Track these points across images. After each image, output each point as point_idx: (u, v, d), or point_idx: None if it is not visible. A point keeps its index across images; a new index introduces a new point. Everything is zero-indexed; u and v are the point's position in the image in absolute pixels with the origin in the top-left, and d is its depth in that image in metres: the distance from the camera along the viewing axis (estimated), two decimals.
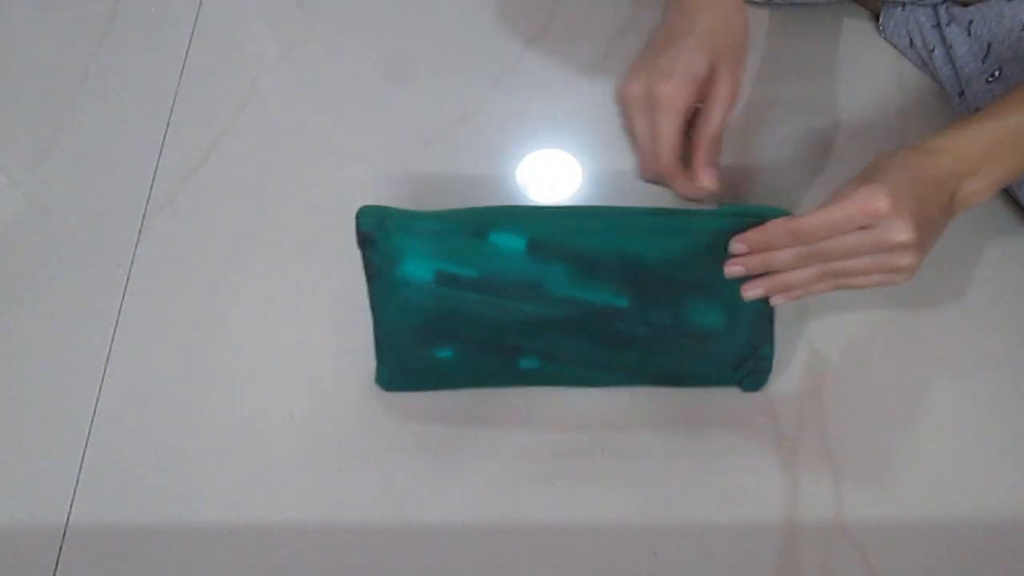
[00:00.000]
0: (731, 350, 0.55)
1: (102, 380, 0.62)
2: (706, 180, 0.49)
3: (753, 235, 0.47)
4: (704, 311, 0.52)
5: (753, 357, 0.55)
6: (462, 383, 0.58)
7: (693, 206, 0.51)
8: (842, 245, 0.45)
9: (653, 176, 0.52)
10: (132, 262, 0.67)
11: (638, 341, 0.54)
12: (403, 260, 0.52)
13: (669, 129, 0.49)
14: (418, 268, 0.52)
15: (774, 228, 0.46)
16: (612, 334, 0.53)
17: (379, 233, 0.52)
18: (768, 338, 0.56)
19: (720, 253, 0.48)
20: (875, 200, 0.43)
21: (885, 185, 0.44)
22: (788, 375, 0.60)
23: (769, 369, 0.57)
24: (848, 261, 0.46)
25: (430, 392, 0.60)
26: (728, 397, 0.59)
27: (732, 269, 0.48)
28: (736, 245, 0.48)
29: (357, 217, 0.52)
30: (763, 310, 0.54)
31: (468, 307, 0.52)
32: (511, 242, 0.50)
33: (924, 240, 0.45)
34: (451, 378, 0.58)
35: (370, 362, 0.59)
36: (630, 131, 0.51)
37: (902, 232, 0.44)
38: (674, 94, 0.48)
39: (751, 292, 0.48)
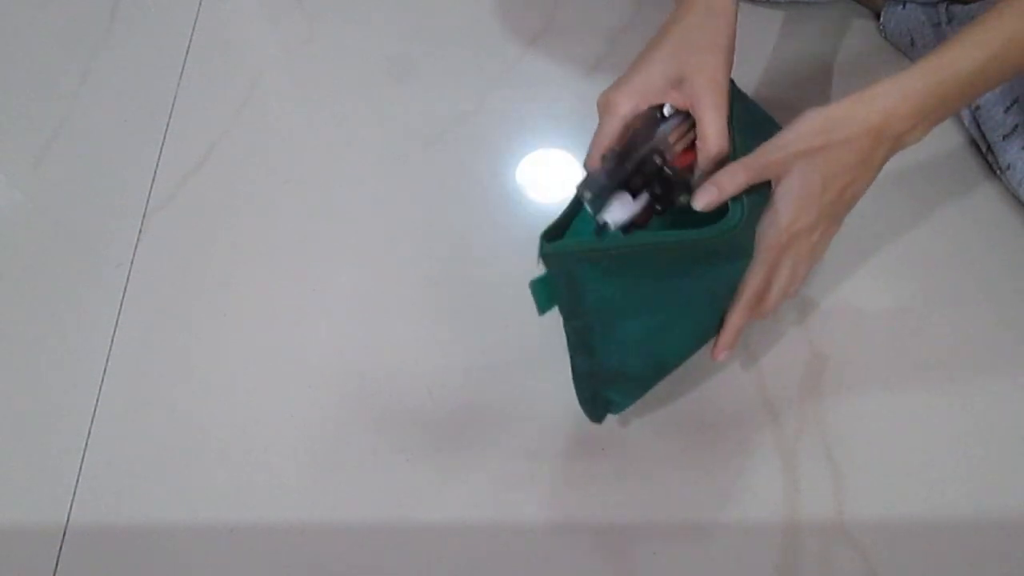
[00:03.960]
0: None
1: (102, 380, 0.62)
2: (700, 201, 0.49)
3: (728, 339, 0.52)
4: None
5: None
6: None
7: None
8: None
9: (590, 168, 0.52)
10: (132, 262, 0.67)
11: None
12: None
13: (601, 130, 0.51)
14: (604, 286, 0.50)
15: (735, 321, 0.52)
16: None
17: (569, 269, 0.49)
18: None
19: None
20: (771, 239, 0.48)
21: (782, 215, 0.48)
22: (788, 375, 0.60)
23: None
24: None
25: (430, 392, 0.60)
26: (728, 397, 0.59)
27: (722, 356, 0.53)
28: (723, 355, 0.53)
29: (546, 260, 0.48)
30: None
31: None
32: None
33: (837, 208, 0.50)
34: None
35: (369, 360, 0.59)
36: None
37: (806, 238, 0.50)
38: (616, 101, 0.50)
39: (724, 356, 0.53)
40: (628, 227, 0.49)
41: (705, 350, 0.54)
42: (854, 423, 0.58)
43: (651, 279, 0.49)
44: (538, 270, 0.48)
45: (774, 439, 0.58)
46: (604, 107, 0.51)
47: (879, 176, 0.58)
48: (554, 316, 0.57)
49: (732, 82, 0.52)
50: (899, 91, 0.47)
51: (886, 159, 0.49)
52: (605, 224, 0.48)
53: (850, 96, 0.47)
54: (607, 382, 0.53)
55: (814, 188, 0.47)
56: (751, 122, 0.53)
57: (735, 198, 0.48)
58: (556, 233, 0.50)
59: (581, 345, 0.51)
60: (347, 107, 0.74)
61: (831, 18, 0.75)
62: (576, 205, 0.51)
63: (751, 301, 0.51)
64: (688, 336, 0.54)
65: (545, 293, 0.49)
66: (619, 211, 0.48)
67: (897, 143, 0.48)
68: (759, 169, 0.47)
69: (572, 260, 0.47)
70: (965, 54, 0.47)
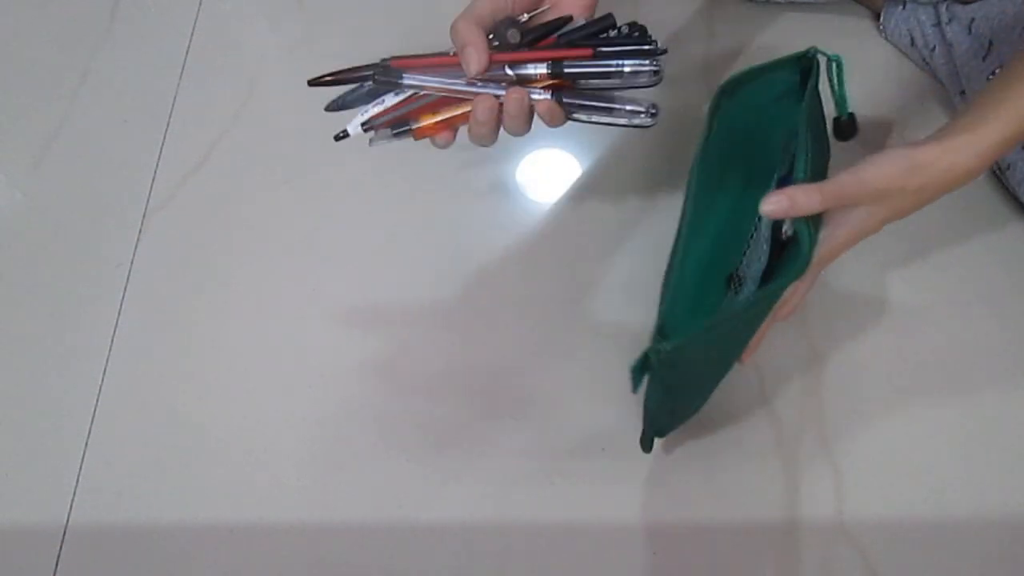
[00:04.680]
0: None
1: (102, 380, 0.62)
2: (769, 205, 0.47)
3: (756, 344, 0.52)
4: None
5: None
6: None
7: None
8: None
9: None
10: (132, 262, 0.67)
11: None
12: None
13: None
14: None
15: (764, 327, 0.52)
16: None
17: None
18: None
19: None
20: (819, 266, 0.49)
21: (831, 242, 0.48)
22: (788, 375, 0.60)
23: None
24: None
25: (429, 392, 0.60)
26: (728, 397, 0.59)
27: (748, 358, 0.53)
28: (748, 357, 0.52)
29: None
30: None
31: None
32: None
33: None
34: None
35: (369, 360, 0.59)
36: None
37: None
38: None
39: (748, 359, 0.53)
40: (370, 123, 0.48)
41: None
42: (854, 423, 0.58)
43: (738, 330, 0.49)
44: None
45: (774, 439, 0.58)
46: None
47: None
48: (557, 310, 0.57)
49: (816, 90, 0.51)
50: (977, 149, 0.47)
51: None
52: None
53: (935, 143, 0.47)
54: (677, 421, 0.55)
55: (874, 225, 0.48)
56: (815, 112, 0.53)
57: (802, 224, 0.47)
58: (663, 327, 0.47)
59: (669, 407, 0.52)
60: None
61: (831, 18, 0.75)
62: (663, 292, 0.49)
63: (777, 308, 0.52)
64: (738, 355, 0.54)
65: (640, 372, 0.46)
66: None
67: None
68: (834, 200, 0.47)
69: (688, 347, 0.45)
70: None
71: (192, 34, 0.79)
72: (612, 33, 0.47)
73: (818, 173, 0.48)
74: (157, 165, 0.72)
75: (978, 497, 0.55)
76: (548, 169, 0.70)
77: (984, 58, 0.63)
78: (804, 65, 0.52)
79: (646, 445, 0.55)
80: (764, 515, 0.55)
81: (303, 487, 0.58)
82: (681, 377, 0.48)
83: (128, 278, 0.66)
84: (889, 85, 0.71)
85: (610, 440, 0.58)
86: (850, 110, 0.53)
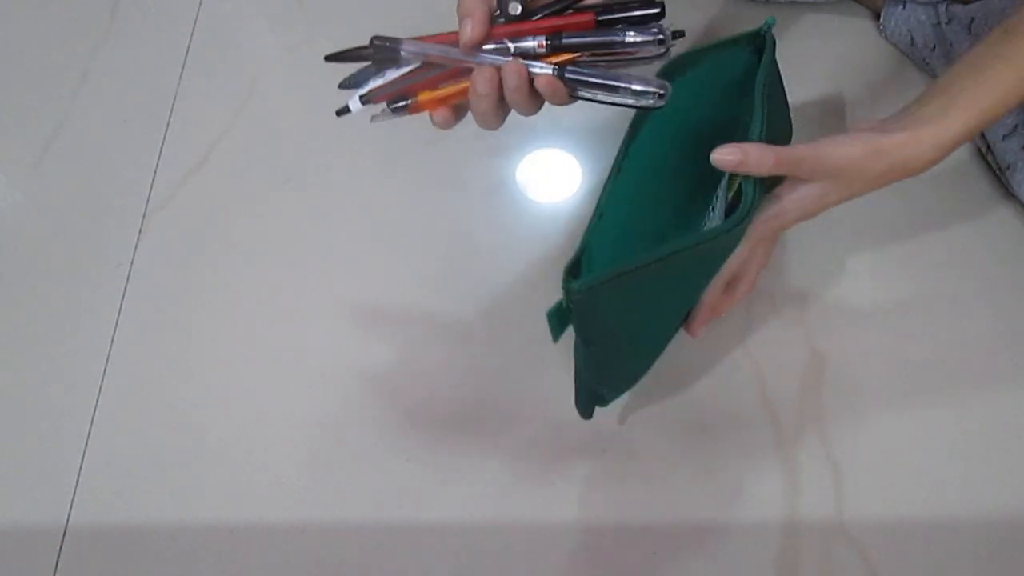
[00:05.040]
0: None
1: (102, 380, 0.62)
2: (720, 154, 0.46)
3: (704, 314, 0.54)
4: None
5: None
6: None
7: None
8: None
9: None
10: (132, 262, 0.67)
11: None
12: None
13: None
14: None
15: (709, 296, 0.53)
16: None
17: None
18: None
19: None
20: (770, 232, 0.50)
21: (786, 214, 0.49)
22: (788, 375, 0.60)
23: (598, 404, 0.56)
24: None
25: (429, 392, 0.60)
26: (728, 397, 0.59)
27: (700, 333, 0.55)
28: (698, 332, 0.54)
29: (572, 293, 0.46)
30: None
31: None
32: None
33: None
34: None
35: (369, 360, 0.59)
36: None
37: None
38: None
39: (700, 333, 0.55)
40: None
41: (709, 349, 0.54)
42: (854, 423, 0.58)
43: (662, 286, 0.49)
44: (548, 299, 0.47)
45: (774, 439, 0.58)
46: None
47: None
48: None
49: (772, 38, 0.51)
50: (938, 142, 0.48)
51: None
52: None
53: (900, 132, 0.48)
54: (608, 386, 0.54)
55: (827, 202, 0.49)
56: (774, 87, 0.53)
57: (749, 184, 0.46)
58: (576, 269, 0.47)
59: (592, 362, 0.51)
60: None
61: (831, 18, 0.75)
62: (585, 237, 0.49)
63: (727, 281, 0.52)
64: (674, 327, 0.55)
65: (559, 322, 0.47)
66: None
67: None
68: (789, 166, 0.47)
69: (600, 290, 0.44)
70: (1002, 102, 0.48)
71: (192, 34, 0.79)
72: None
73: (775, 142, 0.48)
74: (157, 165, 0.72)
75: (978, 497, 0.55)
76: (550, 169, 0.70)
77: None
78: (758, 43, 0.51)
79: (584, 410, 0.55)
80: (764, 515, 0.55)
81: (303, 487, 0.58)
82: (601, 329, 0.48)
83: (128, 278, 0.66)
84: (889, 85, 0.71)
85: (610, 440, 0.58)
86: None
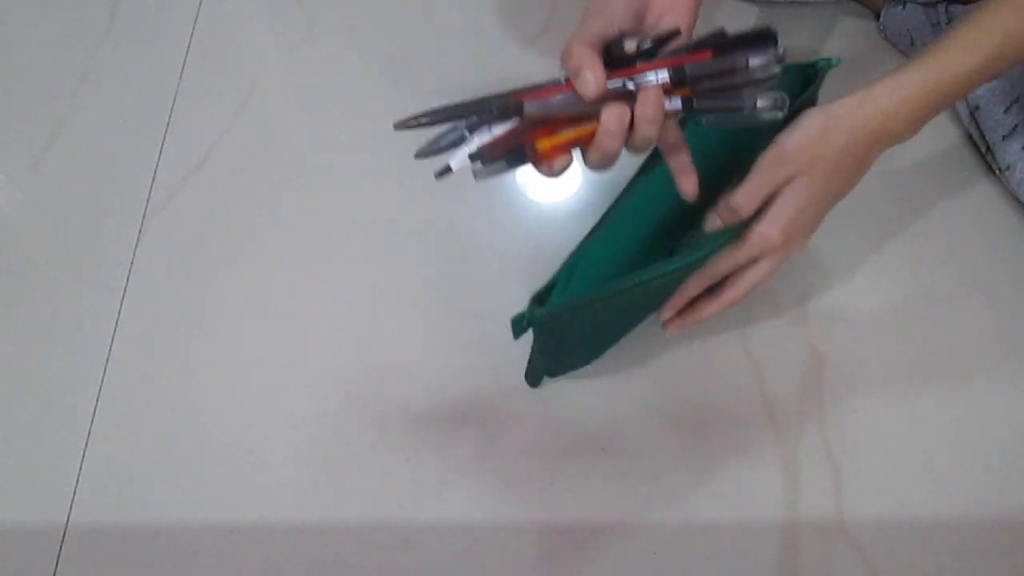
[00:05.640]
0: None
1: (102, 380, 0.62)
2: (713, 223, 0.50)
3: (677, 301, 0.55)
4: None
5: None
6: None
7: None
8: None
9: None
10: (132, 262, 0.67)
11: None
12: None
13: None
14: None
15: (689, 288, 0.53)
16: None
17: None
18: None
19: None
20: (769, 238, 0.49)
21: (781, 217, 0.48)
22: (788, 375, 0.60)
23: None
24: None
25: (429, 392, 0.60)
26: (728, 397, 0.59)
27: (673, 326, 0.56)
28: (667, 314, 0.56)
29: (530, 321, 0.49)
30: None
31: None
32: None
33: (828, 207, 0.51)
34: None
35: (369, 360, 0.59)
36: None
37: (778, 252, 0.51)
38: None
39: (675, 330, 0.56)
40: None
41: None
42: (854, 423, 0.58)
43: (624, 307, 0.52)
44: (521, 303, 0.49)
45: (774, 439, 0.58)
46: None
47: (878, 177, 0.58)
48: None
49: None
50: (898, 94, 0.47)
51: (877, 157, 0.50)
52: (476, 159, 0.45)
53: (850, 96, 0.48)
54: (562, 371, 0.59)
55: (817, 194, 0.48)
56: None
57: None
58: (545, 294, 0.49)
59: (549, 358, 0.56)
60: (347, 107, 0.74)
61: (831, 18, 0.75)
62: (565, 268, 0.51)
63: (712, 279, 0.53)
64: (644, 318, 0.58)
65: (522, 326, 0.49)
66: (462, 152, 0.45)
67: (891, 142, 0.49)
68: (765, 184, 0.48)
69: (562, 316, 0.49)
70: (963, 56, 0.47)
71: (192, 34, 0.79)
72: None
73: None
74: (157, 165, 0.72)
75: (977, 496, 0.55)
76: None
77: None
78: (808, 75, 0.52)
79: (532, 379, 0.59)
80: (764, 515, 0.55)
81: (303, 487, 0.58)
82: (559, 345, 0.52)
83: (128, 278, 0.66)
84: None
85: (610, 440, 0.58)
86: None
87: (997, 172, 0.65)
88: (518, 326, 0.49)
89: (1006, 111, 0.63)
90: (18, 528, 0.57)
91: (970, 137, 0.67)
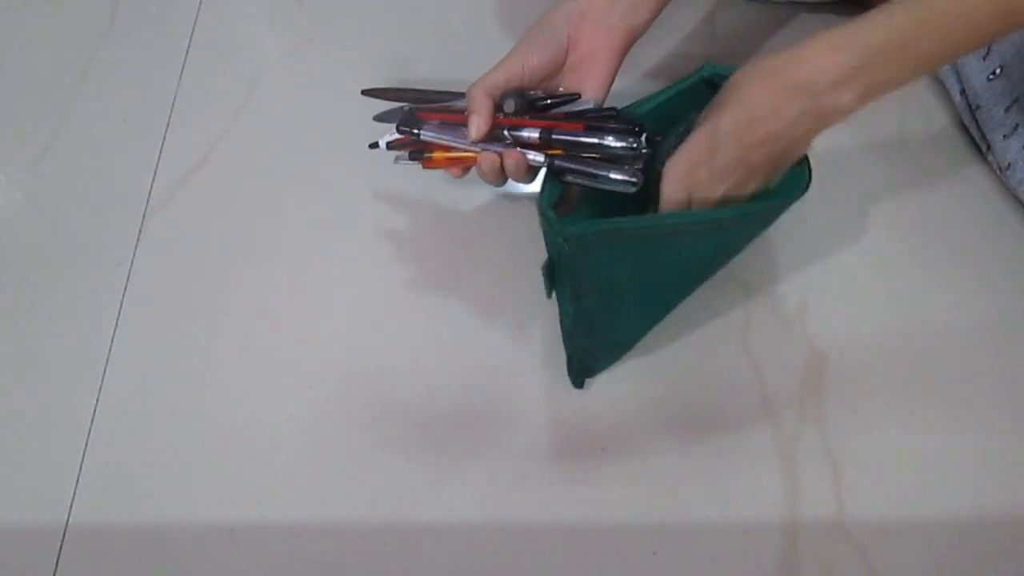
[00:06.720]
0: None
1: (102, 380, 0.62)
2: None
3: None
4: None
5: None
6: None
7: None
8: None
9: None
10: (132, 262, 0.67)
11: None
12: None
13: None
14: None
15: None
16: None
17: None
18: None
19: None
20: (676, 195, 0.50)
21: (682, 174, 0.49)
22: (788, 375, 0.60)
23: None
24: None
25: (429, 392, 0.60)
26: (728, 397, 0.59)
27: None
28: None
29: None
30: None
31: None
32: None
33: (752, 158, 0.49)
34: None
35: (369, 360, 0.59)
36: None
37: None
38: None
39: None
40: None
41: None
42: (854, 423, 0.58)
43: (656, 255, 0.52)
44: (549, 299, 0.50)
45: (774, 439, 0.58)
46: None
47: (880, 177, 0.58)
48: (554, 311, 0.58)
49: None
50: (826, 42, 0.44)
51: (805, 119, 0.46)
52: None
53: (786, 50, 0.46)
54: (596, 354, 0.58)
55: (722, 125, 0.47)
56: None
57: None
58: (557, 212, 0.51)
59: (584, 322, 0.55)
60: (347, 107, 0.74)
61: (830, 19, 0.75)
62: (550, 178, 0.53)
63: None
64: (672, 301, 0.58)
65: (552, 277, 0.52)
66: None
67: (818, 101, 0.45)
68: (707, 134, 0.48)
69: (594, 240, 0.49)
70: (899, 10, 0.44)
71: (192, 34, 0.79)
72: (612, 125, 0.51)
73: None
74: (157, 165, 0.72)
75: (977, 496, 0.55)
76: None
77: (984, 57, 0.63)
78: (717, 83, 0.52)
79: (575, 379, 0.59)
80: (764, 515, 0.55)
81: (303, 487, 0.58)
82: (592, 280, 0.52)
83: (128, 278, 0.66)
84: None
85: (610, 440, 0.58)
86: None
87: (998, 171, 0.65)
88: (548, 274, 0.51)
89: (1007, 111, 0.63)
90: (18, 528, 0.57)
91: (970, 136, 0.67)
